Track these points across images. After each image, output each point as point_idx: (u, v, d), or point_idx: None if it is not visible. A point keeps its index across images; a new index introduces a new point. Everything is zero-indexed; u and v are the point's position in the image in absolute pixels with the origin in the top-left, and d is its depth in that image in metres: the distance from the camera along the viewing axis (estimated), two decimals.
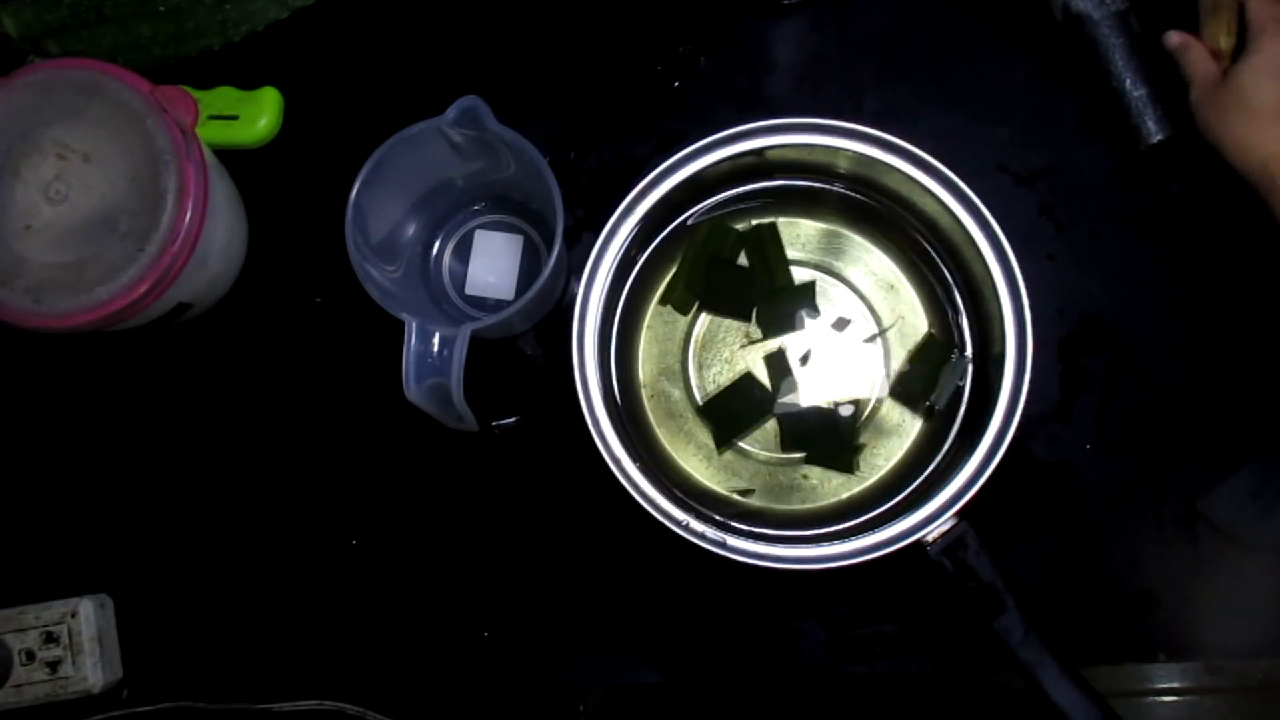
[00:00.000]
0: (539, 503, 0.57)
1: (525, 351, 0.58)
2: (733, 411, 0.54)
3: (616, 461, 0.49)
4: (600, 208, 0.58)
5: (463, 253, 0.58)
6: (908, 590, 0.54)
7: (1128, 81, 0.54)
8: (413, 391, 0.48)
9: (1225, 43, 0.54)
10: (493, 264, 0.57)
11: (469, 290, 0.57)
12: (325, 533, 0.57)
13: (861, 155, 0.50)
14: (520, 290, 0.57)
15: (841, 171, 0.53)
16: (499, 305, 0.57)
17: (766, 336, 0.54)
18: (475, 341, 0.49)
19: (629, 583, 0.56)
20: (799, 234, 0.55)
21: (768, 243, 0.54)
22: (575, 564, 0.56)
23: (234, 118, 0.56)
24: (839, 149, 0.50)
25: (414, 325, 0.48)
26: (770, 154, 0.51)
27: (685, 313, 0.55)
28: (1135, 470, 0.55)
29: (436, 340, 0.49)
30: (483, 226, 0.58)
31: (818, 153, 0.51)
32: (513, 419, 0.57)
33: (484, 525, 0.57)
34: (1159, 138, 0.54)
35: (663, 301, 0.55)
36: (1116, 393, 0.56)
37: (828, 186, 0.54)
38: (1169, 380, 0.56)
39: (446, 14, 0.60)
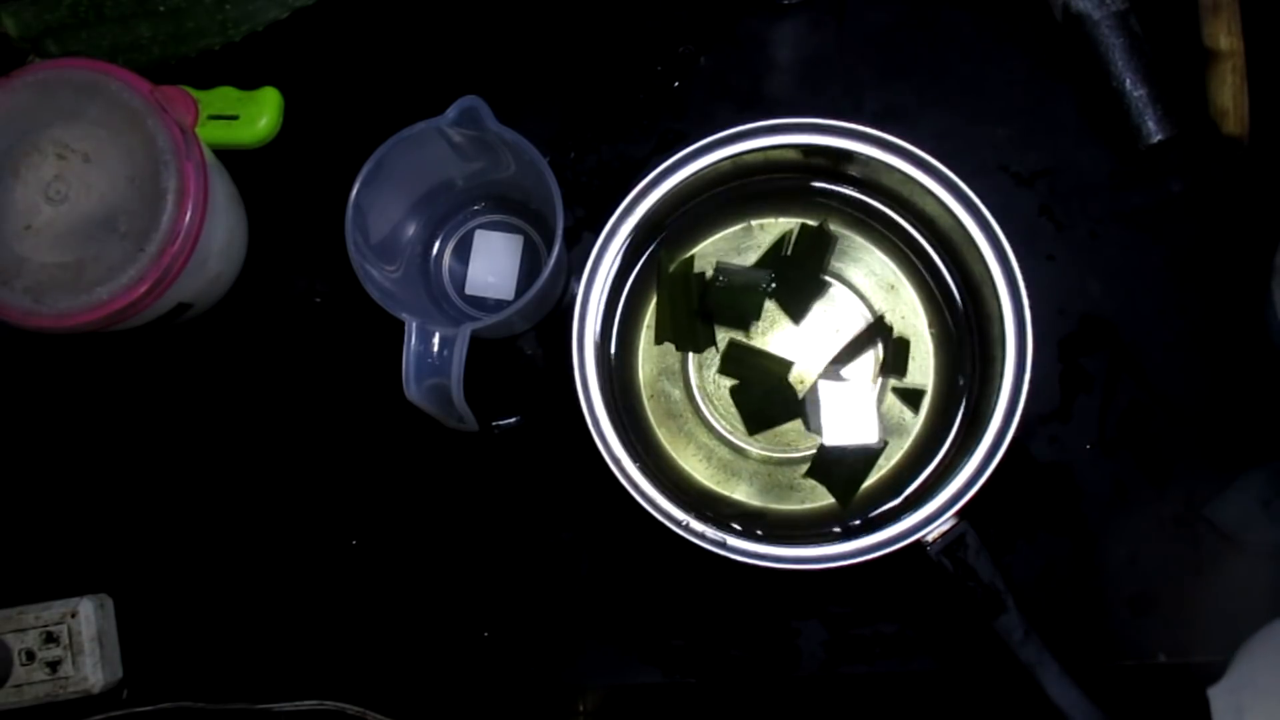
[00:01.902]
0: (539, 503, 0.57)
1: (525, 351, 0.58)
2: (762, 402, 0.54)
3: (616, 461, 0.49)
4: (600, 208, 0.58)
5: (463, 253, 0.58)
6: (908, 590, 0.54)
7: (1128, 81, 0.54)
8: (413, 391, 0.48)
9: (1226, 42, 0.55)
10: (493, 264, 0.57)
11: (469, 290, 0.57)
12: (325, 533, 0.57)
13: (861, 155, 0.50)
14: (520, 290, 0.57)
15: (841, 171, 0.53)
16: (499, 305, 0.57)
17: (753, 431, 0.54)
18: (475, 341, 0.49)
19: (629, 583, 0.56)
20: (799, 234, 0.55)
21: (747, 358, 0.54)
22: (575, 564, 0.56)
23: (234, 118, 0.57)
24: (839, 149, 0.50)
25: (414, 325, 0.48)
26: (770, 154, 0.51)
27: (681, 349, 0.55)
28: (1135, 470, 0.55)
29: (436, 340, 0.49)
30: (483, 226, 0.58)
31: (818, 153, 0.51)
32: (513, 419, 0.57)
33: (484, 525, 0.57)
34: (1159, 138, 0.54)
35: (658, 341, 0.54)
36: (1116, 393, 0.56)
37: (828, 186, 0.54)
38: (1169, 380, 0.56)
39: (446, 14, 0.60)
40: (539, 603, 0.56)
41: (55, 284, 0.49)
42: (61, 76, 0.50)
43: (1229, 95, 0.55)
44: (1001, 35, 0.58)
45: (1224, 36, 0.54)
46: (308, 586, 0.57)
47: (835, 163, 0.52)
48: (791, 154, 0.52)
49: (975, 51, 0.58)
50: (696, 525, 0.48)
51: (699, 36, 0.59)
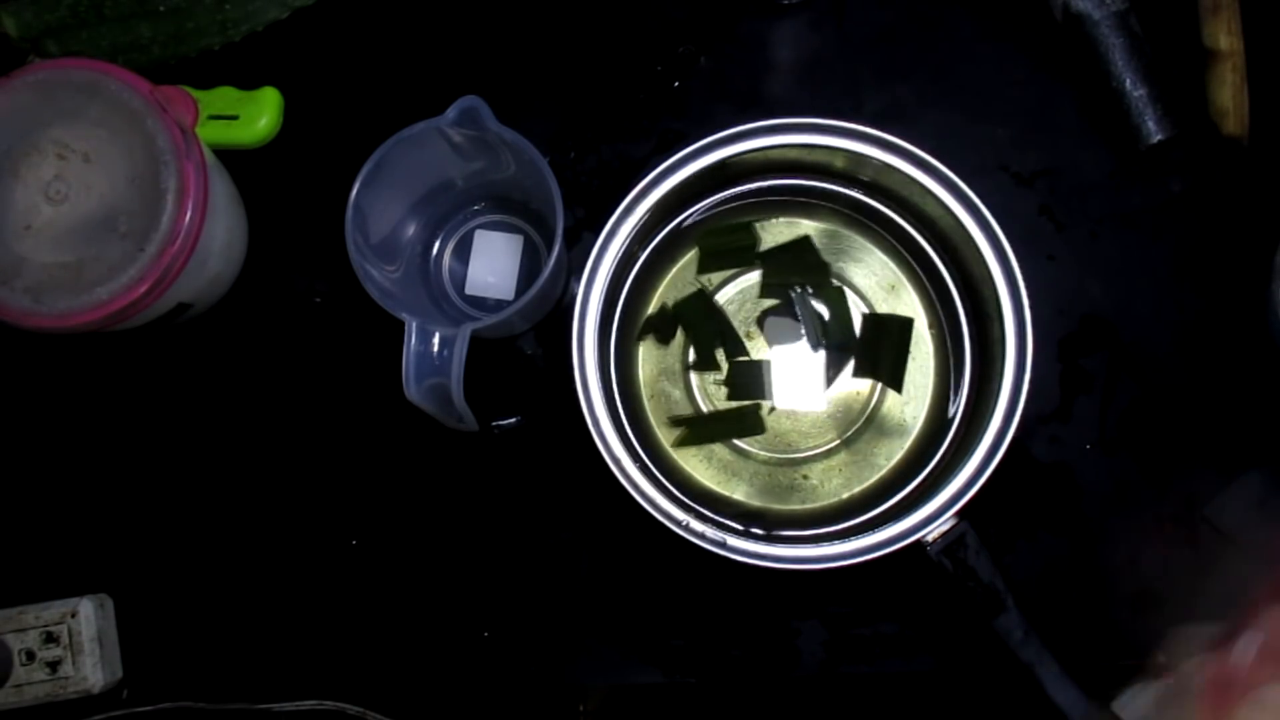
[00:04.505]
0: (539, 503, 0.57)
1: (525, 351, 0.58)
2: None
3: (616, 461, 0.49)
4: (600, 208, 0.58)
5: (463, 253, 0.58)
6: (908, 590, 0.54)
7: (1128, 81, 0.54)
8: (413, 391, 0.48)
9: (1226, 42, 0.55)
10: (493, 264, 0.57)
11: (469, 290, 0.57)
12: (325, 533, 0.57)
13: (861, 155, 0.50)
14: (520, 290, 0.57)
15: (841, 171, 0.53)
16: (499, 305, 0.57)
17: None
18: (475, 341, 0.49)
19: (629, 583, 0.56)
20: (799, 235, 0.55)
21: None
22: (575, 564, 0.56)
23: (234, 118, 0.57)
24: (839, 149, 0.50)
25: (414, 325, 0.48)
26: (770, 154, 0.51)
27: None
28: (1135, 470, 0.55)
29: (436, 340, 0.49)
30: (483, 226, 0.58)
31: (818, 153, 0.51)
32: (513, 419, 0.57)
33: (484, 525, 0.57)
34: (1159, 138, 0.54)
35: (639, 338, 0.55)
36: (1116, 393, 0.56)
37: (828, 186, 0.54)
38: (1169, 380, 0.56)
39: (446, 14, 0.60)
40: (539, 603, 0.56)
41: (55, 284, 0.49)
42: (61, 76, 0.50)
43: (1229, 95, 0.55)
44: (1001, 35, 0.58)
45: (1224, 36, 0.54)
46: (308, 586, 0.57)
47: (835, 163, 0.52)
48: (792, 154, 0.52)
49: (975, 51, 0.58)
50: (696, 525, 0.48)
51: (699, 36, 0.59)
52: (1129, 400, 0.56)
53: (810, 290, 0.54)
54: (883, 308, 0.54)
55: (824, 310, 0.54)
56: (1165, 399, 0.55)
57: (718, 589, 0.55)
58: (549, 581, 0.56)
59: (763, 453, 0.54)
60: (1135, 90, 0.54)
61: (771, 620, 0.55)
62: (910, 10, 0.58)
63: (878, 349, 0.54)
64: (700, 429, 0.54)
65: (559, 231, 0.49)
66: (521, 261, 0.57)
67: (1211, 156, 0.56)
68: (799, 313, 0.54)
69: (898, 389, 0.53)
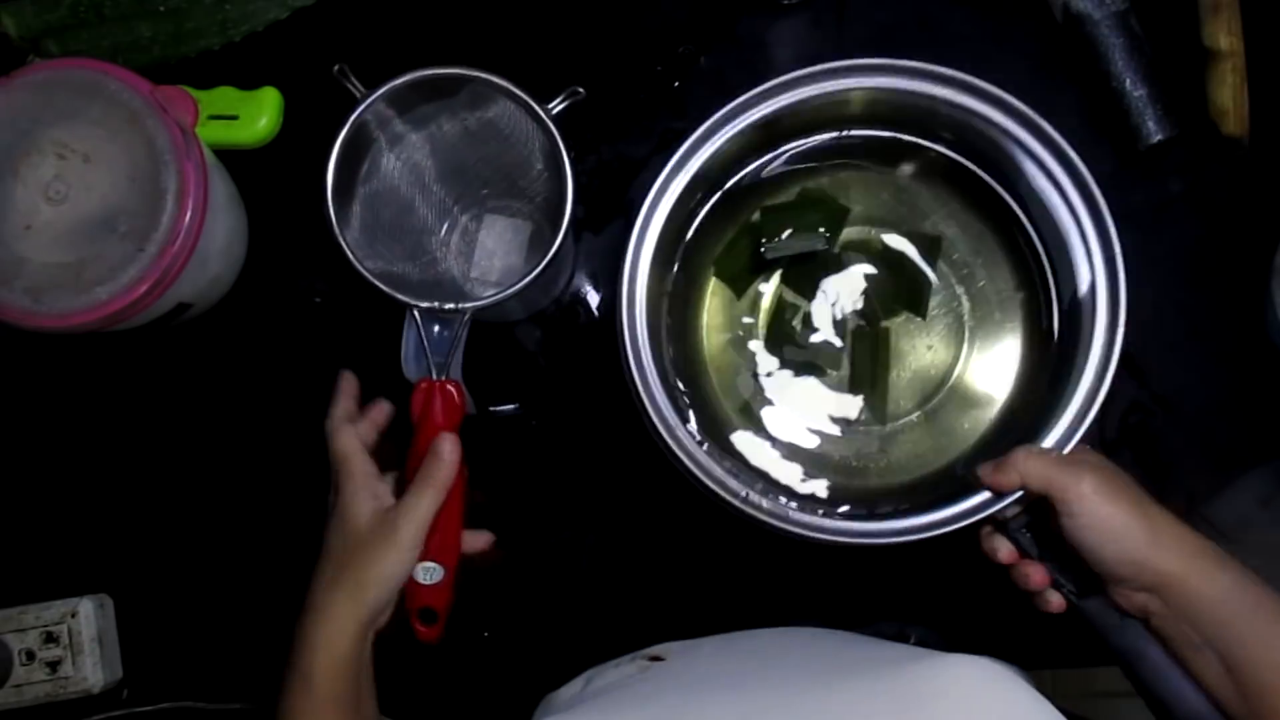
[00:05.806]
0: (539, 502, 0.57)
1: (526, 348, 0.58)
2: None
3: (680, 443, 0.47)
4: (601, 207, 0.58)
5: (470, 236, 0.57)
6: (908, 589, 0.54)
7: (1128, 81, 0.54)
8: (411, 371, 0.48)
9: (1226, 42, 0.55)
10: (498, 248, 0.57)
11: (474, 273, 0.57)
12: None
13: (946, 100, 0.49)
14: (525, 275, 0.57)
15: (916, 121, 0.52)
16: (502, 288, 0.57)
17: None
18: (474, 326, 0.48)
19: (630, 583, 0.56)
20: (872, 191, 0.54)
21: None
22: (575, 564, 0.56)
23: (234, 118, 0.57)
24: (933, 95, 0.49)
25: (416, 305, 0.48)
26: (856, 98, 0.50)
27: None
28: (1135, 470, 0.55)
29: (436, 322, 0.48)
30: (491, 210, 0.57)
31: (915, 99, 0.50)
32: (511, 406, 0.57)
33: (483, 525, 0.57)
34: (1159, 138, 0.54)
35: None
36: (1116, 393, 0.56)
37: (907, 138, 0.53)
38: (1169, 380, 0.56)
39: (446, 14, 0.60)
40: (539, 603, 0.56)
41: (55, 284, 0.49)
42: (61, 76, 0.50)
43: (1229, 95, 0.55)
44: (1002, 36, 0.58)
45: (1224, 36, 0.54)
46: (307, 587, 0.57)
47: (914, 113, 0.51)
48: (884, 103, 0.50)
49: (975, 52, 0.58)
50: (755, 497, 0.46)
51: (699, 36, 0.59)
52: (1129, 400, 0.56)
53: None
54: (969, 261, 0.53)
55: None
56: (1165, 399, 0.55)
57: (718, 589, 0.55)
58: (549, 581, 0.56)
59: (833, 433, 0.52)
60: (1135, 90, 0.54)
61: (772, 620, 0.55)
62: (910, 10, 0.58)
63: (898, 276, 0.53)
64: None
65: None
66: (527, 246, 0.57)
67: (1211, 156, 0.56)
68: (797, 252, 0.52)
69: (919, 313, 0.52)
